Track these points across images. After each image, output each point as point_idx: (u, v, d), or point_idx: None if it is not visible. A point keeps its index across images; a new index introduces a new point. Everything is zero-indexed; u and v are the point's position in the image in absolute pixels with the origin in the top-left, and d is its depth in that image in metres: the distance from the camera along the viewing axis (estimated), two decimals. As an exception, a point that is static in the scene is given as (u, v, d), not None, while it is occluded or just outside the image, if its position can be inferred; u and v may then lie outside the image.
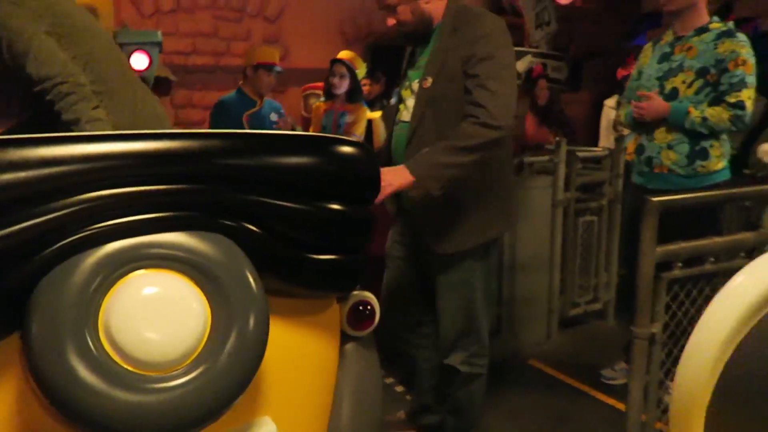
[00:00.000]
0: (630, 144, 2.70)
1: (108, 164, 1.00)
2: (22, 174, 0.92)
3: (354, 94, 3.91)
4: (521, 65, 5.21)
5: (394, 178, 1.77)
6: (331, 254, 1.24)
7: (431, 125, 1.93)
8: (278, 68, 3.76)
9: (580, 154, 3.56)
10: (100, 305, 0.97)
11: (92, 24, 1.68)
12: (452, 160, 1.81)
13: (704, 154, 2.48)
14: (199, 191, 1.07)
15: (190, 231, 1.05)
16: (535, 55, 5.40)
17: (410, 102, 2.02)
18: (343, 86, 3.85)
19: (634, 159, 2.67)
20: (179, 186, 1.05)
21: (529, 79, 4.60)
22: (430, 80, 1.94)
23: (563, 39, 5.69)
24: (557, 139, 3.41)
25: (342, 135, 3.13)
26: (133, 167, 1.02)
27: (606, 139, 4.65)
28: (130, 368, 0.96)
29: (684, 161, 2.49)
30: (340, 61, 3.91)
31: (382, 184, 1.50)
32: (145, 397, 0.94)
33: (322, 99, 4.15)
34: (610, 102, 4.61)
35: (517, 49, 5.64)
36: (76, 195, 0.96)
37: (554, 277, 3.49)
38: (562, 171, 3.39)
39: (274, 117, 3.81)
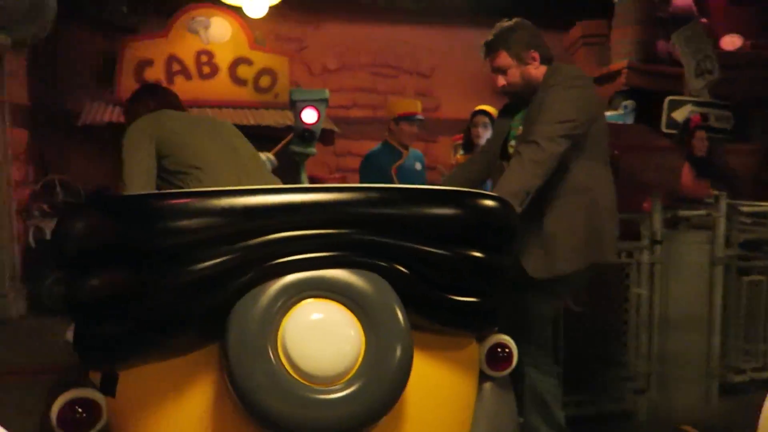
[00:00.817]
0: None
1: (290, 211, 1.22)
2: (228, 218, 1.18)
3: None
4: (680, 115, 4.99)
5: None
6: (470, 297, 1.36)
7: None
8: (419, 116, 3.69)
9: (745, 209, 3.34)
10: (279, 325, 1.18)
11: (194, 123, 2.38)
12: (521, 177, 1.96)
13: None
14: (359, 235, 1.25)
15: (351, 269, 1.25)
16: (696, 104, 5.14)
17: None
18: (485, 135, 3.77)
19: None
20: (343, 230, 1.25)
21: (686, 130, 4.37)
22: (521, 129, 2.17)
23: (726, 86, 5.34)
24: (715, 193, 3.24)
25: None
26: (308, 214, 1.24)
27: (786, 193, 4.27)
28: (299, 379, 1.15)
29: None
30: (483, 111, 3.92)
31: None
32: (310, 404, 1.13)
33: (461, 152, 4.16)
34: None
35: (675, 98, 5.44)
36: (265, 235, 1.20)
37: (713, 339, 3.26)
38: (722, 226, 3.20)
39: (418, 166, 3.80)
